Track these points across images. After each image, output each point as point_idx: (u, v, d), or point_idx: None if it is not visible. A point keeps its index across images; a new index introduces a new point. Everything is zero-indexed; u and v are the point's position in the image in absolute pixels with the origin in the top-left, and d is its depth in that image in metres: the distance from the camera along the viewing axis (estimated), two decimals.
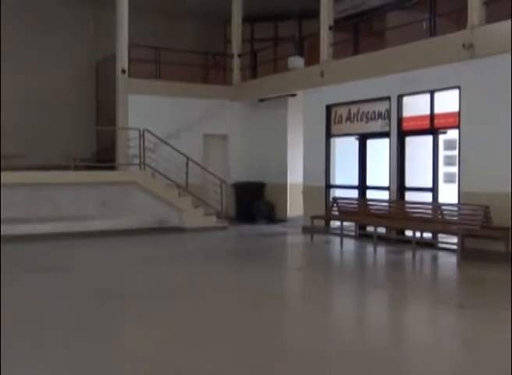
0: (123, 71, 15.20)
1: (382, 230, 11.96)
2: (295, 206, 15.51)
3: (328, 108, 13.84)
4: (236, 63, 17.08)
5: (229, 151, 16.95)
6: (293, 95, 15.49)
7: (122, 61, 15.22)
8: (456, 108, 10.83)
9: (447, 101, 11.08)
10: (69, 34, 16.51)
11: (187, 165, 14.58)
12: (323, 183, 13.89)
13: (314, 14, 14.13)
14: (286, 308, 7.16)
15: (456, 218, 10.51)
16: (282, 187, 16.11)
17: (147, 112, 15.09)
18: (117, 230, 13.09)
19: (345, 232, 12.54)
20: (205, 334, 5.84)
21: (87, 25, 16.73)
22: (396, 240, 11.74)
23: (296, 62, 14.44)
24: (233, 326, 6.15)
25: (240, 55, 17.08)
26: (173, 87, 15.71)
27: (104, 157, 15.56)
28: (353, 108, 13.24)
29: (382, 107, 12.47)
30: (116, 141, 15.30)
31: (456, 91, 10.77)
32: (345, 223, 12.58)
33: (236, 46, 17.13)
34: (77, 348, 5.36)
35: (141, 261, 10.29)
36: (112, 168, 14.76)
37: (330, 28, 13.75)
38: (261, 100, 16.37)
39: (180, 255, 11.13)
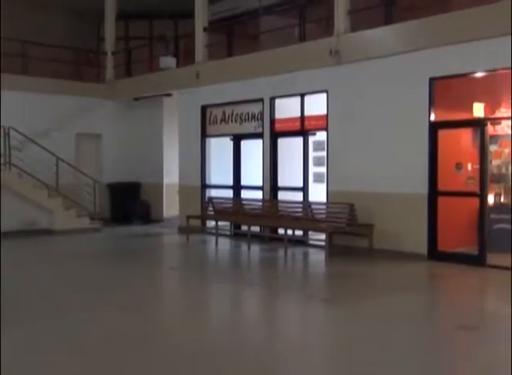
0: None
1: (256, 228, 12.25)
2: (171, 206, 15.46)
3: (204, 108, 13.93)
4: (109, 61, 16.67)
5: (104, 150, 16.52)
6: (169, 95, 15.42)
7: None
8: (324, 111, 11.35)
9: (316, 104, 11.57)
10: None
11: (57, 165, 14.01)
12: (199, 183, 13.96)
13: (190, 14, 14.16)
14: (159, 309, 7.10)
15: (324, 216, 11.00)
16: (158, 187, 15.99)
17: (13, 109, 14.26)
18: None
19: (220, 231, 12.68)
20: (70, 339, 5.66)
21: None
22: (269, 238, 12.05)
23: (169, 61, 14.36)
24: (101, 329, 6.01)
25: (113, 53, 16.69)
26: (42, 83, 15.02)
27: None
28: (228, 110, 13.43)
29: (255, 109, 12.76)
30: None
31: (325, 95, 11.29)
32: (220, 223, 12.73)
33: (109, 43, 16.72)
34: None
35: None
36: None
37: (205, 29, 13.84)
38: (136, 99, 16.11)
39: (46, 257, 10.68)
